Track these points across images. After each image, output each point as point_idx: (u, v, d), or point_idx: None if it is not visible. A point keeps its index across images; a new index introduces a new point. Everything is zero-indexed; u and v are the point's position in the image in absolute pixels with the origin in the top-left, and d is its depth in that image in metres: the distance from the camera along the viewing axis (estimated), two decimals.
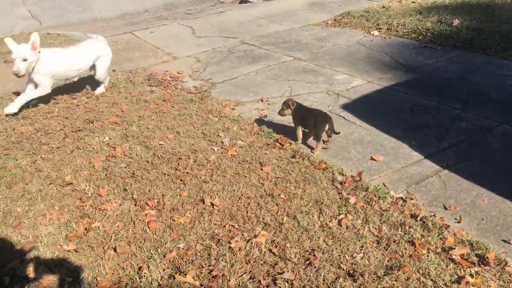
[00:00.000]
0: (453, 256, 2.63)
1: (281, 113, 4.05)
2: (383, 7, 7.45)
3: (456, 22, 6.30)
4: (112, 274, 2.63)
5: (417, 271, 2.53)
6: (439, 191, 3.28)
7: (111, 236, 2.92)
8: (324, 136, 3.90)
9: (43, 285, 2.59)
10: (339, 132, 3.88)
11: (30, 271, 2.69)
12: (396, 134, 4.01)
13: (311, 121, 3.87)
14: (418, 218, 2.95)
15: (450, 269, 2.55)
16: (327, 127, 3.79)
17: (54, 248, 2.85)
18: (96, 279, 2.60)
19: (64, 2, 9.75)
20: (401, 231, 2.84)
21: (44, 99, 4.91)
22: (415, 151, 3.77)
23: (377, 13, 7.12)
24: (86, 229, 2.99)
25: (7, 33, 8.13)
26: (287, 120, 4.36)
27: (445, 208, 3.10)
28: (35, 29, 8.30)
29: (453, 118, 4.20)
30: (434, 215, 3.00)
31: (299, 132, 3.98)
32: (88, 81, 5.52)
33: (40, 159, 3.87)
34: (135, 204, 3.22)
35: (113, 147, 3.98)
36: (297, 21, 7.46)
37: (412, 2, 7.54)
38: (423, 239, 2.76)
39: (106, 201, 3.28)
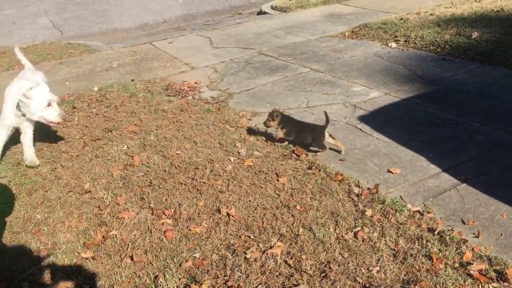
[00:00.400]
0: (471, 272, 2.59)
1: (266, 123, 4.11)
2: (401, 19, 7.44)
3: (475, 34, 6.25)
4: (129, 282, 2.66)
5: (435, 286, 2.50)
6: (457, 205, 3.25)
7: (128, 245, 2.95)
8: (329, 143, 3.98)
9: None
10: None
11: (48, 278, 2.73)
12: (414, 146, 3.99)
13: (307, 135, 3.98)
14: (436, 232, 2.91)
15: (468, 285, 2.51)
16: (327, 135, 3.93)
17: (72, 255, 2.89)
18: (113, 287, 2.63)
19: (85, 12, 9.96)
20: (418, 245, 2.82)
21: (65, 110, 5.01)
22: (432, 164, 3.74)
23: (395, 25, 7.11)
24: (103, 237, 3.03)
25: (30, 43, 8.34)
26: None
27: (463, 223, 3.06)
28: (57, 38, 8.49)
29: (472, 131, 4.16)
30: (452, 229, 2.96)
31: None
32: (108, 91, 5.62)
33: (59, 167, 3.94)
34: (152, 213, 3.26)
35: (131, 156, 4.04)
36: (314, 33, 7.48)
37: (431, 14, 7.51)
38: (440, 254, 2.73)
39: (124, 209, 3.32)
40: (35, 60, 6.95)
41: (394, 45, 6.45)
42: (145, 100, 5.28)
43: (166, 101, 5.24)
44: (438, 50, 6.12)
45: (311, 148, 4.00)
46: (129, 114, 4.93)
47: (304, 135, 4.00)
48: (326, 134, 3.93)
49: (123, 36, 8.75)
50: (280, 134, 4.06)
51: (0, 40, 8.59)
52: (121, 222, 3.18)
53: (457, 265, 2.66)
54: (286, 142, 4.12)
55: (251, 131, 4.38)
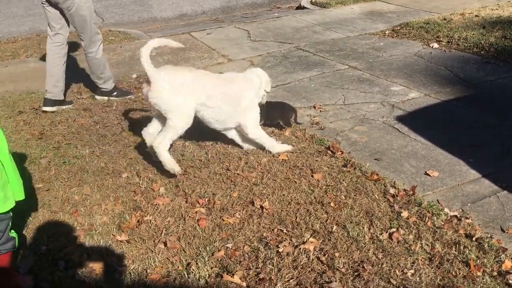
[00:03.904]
0: (510, 281, 2.52)
1: None
2: (444, 19, 7.25)
3: None
4: (162, 267, 2.69)
5: None
6: (497, 212, 3.15)
7: (162, 230, 2.99)
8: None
9: (96, 272, 2.69)
10: (301, 123, 4.38)
11: (84, 258, 2.79)
12: (453, 150, 3.89)
13: (276, 112, 4.25)
14: (474, 239, 2.84)
15: None
16: (293, 116, 4.29)
17: (107, 237, 2.95)
18: (146, 271, 2.67)
19: (126, 1, 10.10)
20: (455, 251, 2.75)
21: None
22: (472, 169, 3.64)
23: (437, 25, 6.93)
24: (138, 221, 3.08)
25: (72, 29, 8.51)
26: (340, 128, 4.33)
27: (503, 231, 2.97)
28: (98, 25, 8.63)
29: None
30: (490, 236, 2.88)
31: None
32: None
33: (98, 150, 4.02)
34: (186, 201, 3.29)
35: None
36: (354, 30, 7.38)
37: (476, 16, 7.29)
38: (478, 261, 2.66)
39: (159, 195, 3.36)
40: (78, 45, 7.10)
41: (436, 45, 6.30)
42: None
43: None
44: (482, 52, 5.94)
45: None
46: None
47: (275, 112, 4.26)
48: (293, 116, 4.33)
49: (161, 26, 8.84)
50: None
51: (44, 24, 8.76)
52: (155, 208, 3.22)
53: (495, 273, 2.58)
54: (323, 137, 4.09)
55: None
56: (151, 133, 3.66)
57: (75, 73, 6.07)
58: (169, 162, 3.47)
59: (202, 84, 3.57)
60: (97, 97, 5.11)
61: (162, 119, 3.59)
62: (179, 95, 3.45)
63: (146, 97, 3.57)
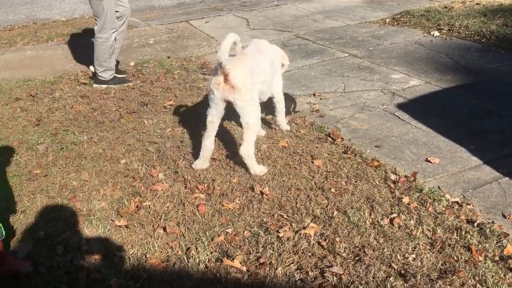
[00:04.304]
0: None
1: None
2: (445, 7, 7.19)
3: None
4: (161, 252, 2.67)
5: (473, 278, 2.42)
6: (498, 198, 3.13)
7: (161, 216, 2.96)
8: None
9: (95, 257, 2.66)
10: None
11: (83, 243, 2.76)
12: (454, 137, 3.86)
13: None
14: (475, 224, 2.82)
15: (508, 278, 2.42)
16: (292, 106, 4.30)
17: (106, 223, 2.92)
18: (145, 256, 2.64)
19: None
20: (456, 236, 2.73)
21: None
22: (473, 155, 3.61)
23: (438, 13, 6.88)
24: (137, 207, 3.05)
25: (69, 16, 8.44)
26: (340, 115, 4.30)
27: (504, 216, 2.95)
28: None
29: None
30: (492, 222, 2.86)
31: None
32: (144, 67, 5.64)
33: (95, 136, 3.98)
34: (185, 187, 3.26)
35: (165, 130, 4.04)
36: (354, 18, 7.32)
37: (477, 4, 7.24)
38: (480, 246, 2.64)
39: (158, 181, 3.33)
40: (74, 34, 7.04)
41: (436, 33, 6.25)
42: (180, 77, 5.28)
43: (202, 79, 5.22)
44: (483, 40, 5.90)
45: None
46: (165, 90, 4.93)
47: None
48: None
49: (160, 14, 8.75)
50: None
51: (41, 12, 8.72)
52: (154, 193, 3.19)
53: (497, 258, 2.56)
54: (323, 124, 4.06)
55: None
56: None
57: (75, 59, 6.02)
58: (260, 170, 3.36)
59: (257, 63, 3.42)
60: (95, 85, 5.06)
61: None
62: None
63: (222, 96, 3.26)
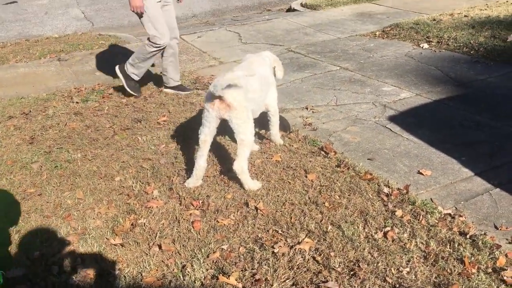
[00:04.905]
0: (505, 278, 2.53)
1: None
2: (434, 20, 7.31)
3: (511, 37, 6.10)
4: (157, 270, 2.67)
5: None
6: (490, 209, 3.17)
7: (156, 233, 2.97)
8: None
9: (90, 276, 2.66)
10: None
11: (78, 262, 2.76)
12: (445, 149, 3.91)
13: None
14: (468, 236, 2.85)
15: None
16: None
17: (101, 241, 2.92)
18: (141, 274, 2.65)
19: (116, 4, 10.06)
20: (449, 248, 2.76)
21: (95, 99, 5.07)
22: (465, 167, 3.66)
23: (427, 26, 6.99)
24: (132, 224, 3.05)
25: (61, 33, 8.47)
26: (332, 129, 4.34)
27: (496, 228, 2.99)
28: (88, 29, 8.61)
29: (507, 135, 4.05)
30: (484, 233, 2.89)
31: None
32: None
33: (89, 154, 3.99)
34: (180, 203, 3.27)
35: (159, 146, 4.06)
36: (344, 31, 7.41)
37: (465, 16, 7.36)
38: (473, 258, 2.67)
39: (152, 198, 3.34)
40: (66, 50, 7.06)
41: (426, 46, 6.34)
42: (174, 93, 5.30)
43: (195, 94, 5.26)
44: (471, 52, 5.99)
45: None
46: (158, 106, 4.96)
47: None
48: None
49: None
50: None
51: (33, 29, 8.75)
52: (149, 210, 3.20)
53: (490, 270, 2.59)
54: (316, 138, 4.09)
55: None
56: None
57: (68, 76, 6.04)
58: (254, 185, 3.39)
59: (249, 82, 3.41)
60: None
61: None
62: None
63: (218, 114, 3.30)
